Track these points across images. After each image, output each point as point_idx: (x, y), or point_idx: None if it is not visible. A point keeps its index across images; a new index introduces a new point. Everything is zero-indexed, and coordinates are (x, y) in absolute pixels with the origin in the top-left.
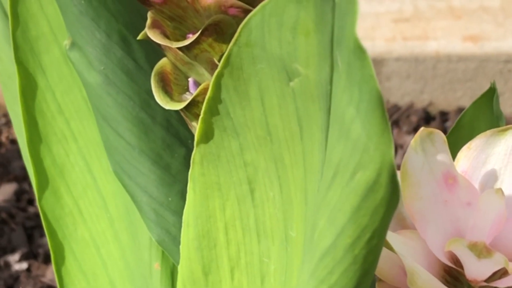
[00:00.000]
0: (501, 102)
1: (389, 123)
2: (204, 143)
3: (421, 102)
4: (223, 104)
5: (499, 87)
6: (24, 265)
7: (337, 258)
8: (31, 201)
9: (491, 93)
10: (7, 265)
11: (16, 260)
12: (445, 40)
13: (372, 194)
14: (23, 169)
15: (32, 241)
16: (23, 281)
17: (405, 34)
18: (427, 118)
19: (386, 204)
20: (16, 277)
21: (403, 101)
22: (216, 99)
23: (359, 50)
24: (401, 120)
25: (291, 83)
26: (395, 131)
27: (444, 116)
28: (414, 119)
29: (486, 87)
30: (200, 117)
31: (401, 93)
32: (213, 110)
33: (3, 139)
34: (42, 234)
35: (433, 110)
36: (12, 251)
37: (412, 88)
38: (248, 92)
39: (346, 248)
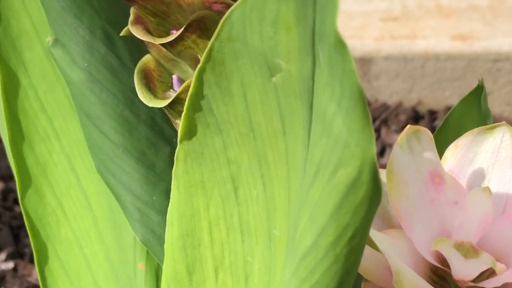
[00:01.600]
0: (489, 101)
1: (371, 119)
2: (187, 140)
3: (409, 101)
4: (205, 100)
5: (488, 86)
6: (10, 265)
7: (319, 257)
8: (17, 201)
9: (479, 91)
10: None
11: (2, 259)
12: (434, 39)
13: (353, 192)
14: (10, 168)
15: (18, 241)
16: (9, 281)
17: (394, 33)
18: (415, 117)
19: (368, 202)
20: (2, 276)
21: (391, 100)
22: (199, 95)
23: (340, 44)
24: (390, 119)
25: (273, 79)
26: (384, 130)
27: (432, 115)
28: (402, 118)
29: (474, 86)
30: (183, 113)
31: (389, 92)
32: (196, 106)
33: None
34: (29, 235)
35: (422, 109)
36: None
37: (401, 87)
38: (230, 88)
39: (327, 247)
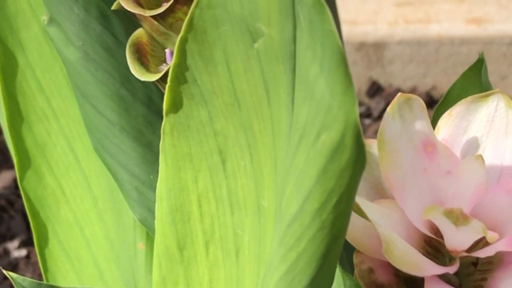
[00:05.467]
0: (505, 85)
1: (353, 81)
2: (173, 113)
3: (424, 86)
4: (189, 71)
5: (503, 70)
6: (23, 252)
7: (305, 224)
8: None
9: (479, 65)
10: (6, 252)
11: (15, 247)
12: (448, 23)
13: (337, 156)
14: None
15: (31, 228)
16: (22, 268)
17: (408, 18)
18: (430, 102)
19: (352, 166)
20: (15, 263)
21: (405, 85)
22: (182, 65)
23: (318, 4)
24: None
25: (255, 45)
26: None
27: None
28: None
29: (490, 70)
30: (167, 85)
31: (403, 77)
32: (180, 78)
33: None
34: None
35: (436, 94)
36: (11, 238)
37: (415, 72)
38: (213, 56)
39: (313, 213)
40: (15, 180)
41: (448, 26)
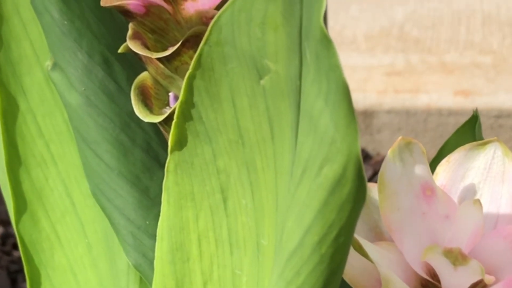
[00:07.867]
0: None
1: (356, 115)
2: (178, 151)
3: None
4: (195, 108)
5: None
6: None
7: (304, 258)
8: (16, 245)
9: (473, 121)
10: None
11: None
12: (437, 94)
13: (338, 189)
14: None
15: (15, 285)
16: None
17: (397, 87)
18: None
19: (353, 199)
20: None
21: None
22: (189, 102)
23: (325, 39)
24: None
25: (262, 81)
26: None
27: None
28: None
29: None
30: (173, 122)
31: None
32: (186, 115)
33: None
34: (26, 279)
35: None
36: None
37: None
38: (219, 93)
39: (313, 246)
40: (1, 237)
41: (436, 97)
